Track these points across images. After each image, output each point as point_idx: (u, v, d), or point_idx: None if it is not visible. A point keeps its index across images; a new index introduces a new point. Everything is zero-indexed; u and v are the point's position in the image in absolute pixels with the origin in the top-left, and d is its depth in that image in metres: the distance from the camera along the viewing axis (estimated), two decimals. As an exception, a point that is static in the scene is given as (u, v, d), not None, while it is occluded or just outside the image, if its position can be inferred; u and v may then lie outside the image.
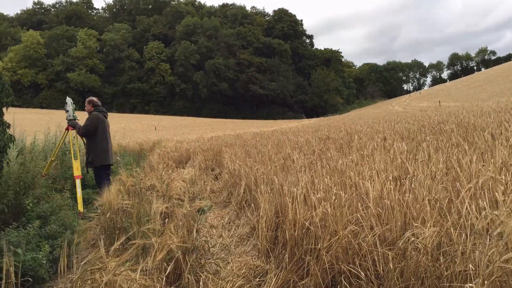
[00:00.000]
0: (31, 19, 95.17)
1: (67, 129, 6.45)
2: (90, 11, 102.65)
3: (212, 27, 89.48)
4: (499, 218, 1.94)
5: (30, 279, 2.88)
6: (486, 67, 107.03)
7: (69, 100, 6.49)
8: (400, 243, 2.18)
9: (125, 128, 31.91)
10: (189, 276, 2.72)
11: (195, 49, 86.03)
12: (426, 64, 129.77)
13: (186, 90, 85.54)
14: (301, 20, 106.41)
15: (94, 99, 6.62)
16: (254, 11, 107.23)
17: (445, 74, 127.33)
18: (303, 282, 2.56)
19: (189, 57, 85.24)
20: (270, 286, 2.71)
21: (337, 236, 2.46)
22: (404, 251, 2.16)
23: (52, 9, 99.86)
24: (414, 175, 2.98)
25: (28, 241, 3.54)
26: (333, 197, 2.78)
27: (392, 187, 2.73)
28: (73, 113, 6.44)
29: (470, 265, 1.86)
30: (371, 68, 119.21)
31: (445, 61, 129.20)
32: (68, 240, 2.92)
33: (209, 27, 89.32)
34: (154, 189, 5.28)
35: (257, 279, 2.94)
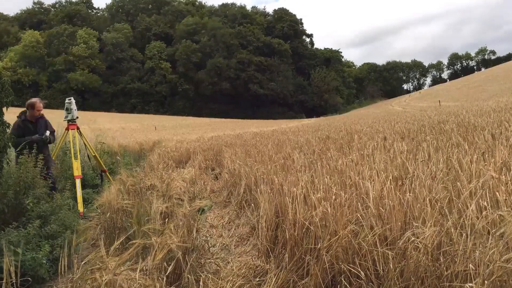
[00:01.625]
0: (31, 19, 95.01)
1: (67, 129, 6.45)
2: (90, 11, 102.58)
3: (215, 27, 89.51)
4: (506, 218, 1.94)
5: (29, 278, 2.88)
6: (486, 67, 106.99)
7: (72, 100, 6.47)
8: (400, 243, 2.17)
9: (125, 128, 31.89)
10: (189, 276, 2.72)
11: (197, 48, 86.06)
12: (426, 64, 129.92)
13: (188, 90, 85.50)
14: (301, 20, 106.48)
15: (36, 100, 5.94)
16: (254, 10, 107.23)
17: (445, 74, 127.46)
18: (303, 281, 2.56)
19: (190, 56, 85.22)
20: (270, 286, 2.71)
21: (337, 236, 2.46)
22: (404, 251, 2.16)
23: (52, 9, 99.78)
24: (414, 175, 2.98)
25: (28, 241, 3.53)
26: (333, 197, 2.78)
27: (392, 187, 2.73)
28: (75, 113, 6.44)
29: (470, 265, 1.86)
30: (371, 68, 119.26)
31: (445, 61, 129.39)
32: (68, 239, 2.92)
33: (211, 27, 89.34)
34: (154, 189, 5.28)
35: (257, 279, 2.94)
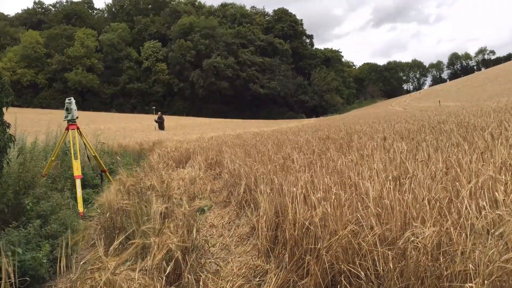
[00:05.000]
0: (31, 19, 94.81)
1: (67, 129, 6.45)
2: (90, 11, 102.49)
3: (210, 26, 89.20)
4: (504, 218, 1.94)
5: (28, 278, 2.87)
6: (486, 67, 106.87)
7: (72, 100, 6.48)
8: (400, 243, 2.18)
9: (125, 128, 31.86)
10: (189, 276, 2.72)
11: (191, 46, 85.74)
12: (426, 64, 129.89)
13: (184, 89, 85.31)
14: (301, 20, 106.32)
15: None
16: (254, 10, 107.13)
17: (445, 74, 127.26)
18: (303, 281, 2.56)
19: (185, 54, 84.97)
20: (270, 285, 2.71)
21: (337, 236, 2.46)
22: (404, 251, 2.16)
23: (53, 9, 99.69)
24: (414, 175, 2.98)
25: (28, 240, 3.54)
26: (333, 197, 2.78)
27: (392, 187, 2.73)
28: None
29: (470, 265, 1.86)
30: (371, 68, 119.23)
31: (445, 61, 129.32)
32: (67, 239, 2.92)
33: (206, 25, 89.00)
34: (154, 189, 5.27)
35: (257, 279, 2.94)
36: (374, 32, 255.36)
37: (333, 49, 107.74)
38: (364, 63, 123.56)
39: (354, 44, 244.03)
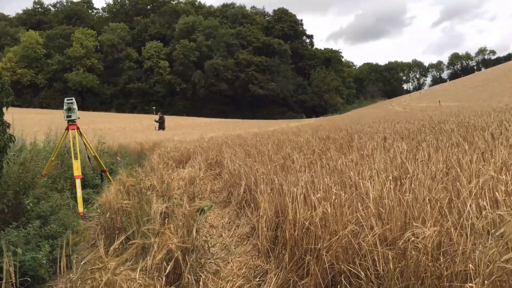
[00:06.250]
0: (31, 19, 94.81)
1: (67, 129, 6.44)
2: (90, 11, 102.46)
3: (212, 26, 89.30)
4: (505, 218, 1.94)
5: (29, 279, 2.87)
6: (486, 67, 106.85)
7: (74, 100, 6.46)
8: (400, 243, 2.17)
9: (125, 128, 31.84)
10: (189, 276, 2.72)
11: (195, 47, 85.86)
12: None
13: (186, 89, 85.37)
14: (301, 20, 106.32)
15: None
16: (254, 11, 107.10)
17: (445, 74, 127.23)
18: (303, 281, 2.56)
19: (188, 55, 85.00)
20: (270, 285, 2.71)
21: (337, 236, 2.46)
22: (404, 251, 2.16)
23: (52, 9, 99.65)
24: (414, 175, 2.98)
25: (28, 241, 3.54)
26: (333, 197, 2.78)
27: (392, 187, 2.73)
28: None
29: (470, 265, 1.86)
30: (371, 68, 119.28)
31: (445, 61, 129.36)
32: (67, 239, 2.92)
33: (208, 25, 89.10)
34: (154, 189, 5.27)
35: (257, 279, 2.94)
36: (435, 29, 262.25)
37: (333, 49, 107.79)
38: (364, 63, 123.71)
39: (413, 41, 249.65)
